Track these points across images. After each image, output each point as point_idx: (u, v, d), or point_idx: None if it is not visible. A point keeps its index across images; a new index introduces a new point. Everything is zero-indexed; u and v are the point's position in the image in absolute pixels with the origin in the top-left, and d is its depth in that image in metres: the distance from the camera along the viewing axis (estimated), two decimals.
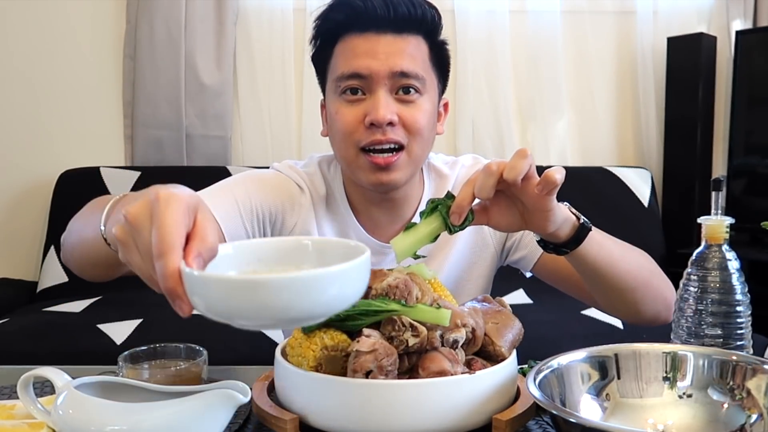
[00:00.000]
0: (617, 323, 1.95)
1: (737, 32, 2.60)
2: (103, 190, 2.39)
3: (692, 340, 0.80)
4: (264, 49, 2.60)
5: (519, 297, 2.21)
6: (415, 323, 0.70)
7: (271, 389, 0.79)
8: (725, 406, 0.70)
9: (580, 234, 0.83)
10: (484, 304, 0.83)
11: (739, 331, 0.79)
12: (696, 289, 0.80)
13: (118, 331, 1.86)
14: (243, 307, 0.50)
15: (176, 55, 2.52)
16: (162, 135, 2.56)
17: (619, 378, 0.74)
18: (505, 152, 2.64)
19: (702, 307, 0.80)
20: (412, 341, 0.70)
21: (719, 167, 2.76)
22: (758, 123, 2.58)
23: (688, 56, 2.61)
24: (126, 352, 0.84)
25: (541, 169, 0.75)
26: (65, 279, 2.32)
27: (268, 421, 0.72)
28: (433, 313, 0.71)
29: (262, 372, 0.84)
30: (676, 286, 0.85)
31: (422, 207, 1.08)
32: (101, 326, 1.89)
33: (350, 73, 0.97)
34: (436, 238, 0.77)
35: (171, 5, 2.50)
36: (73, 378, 0.70)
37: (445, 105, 1.10)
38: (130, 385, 0.72)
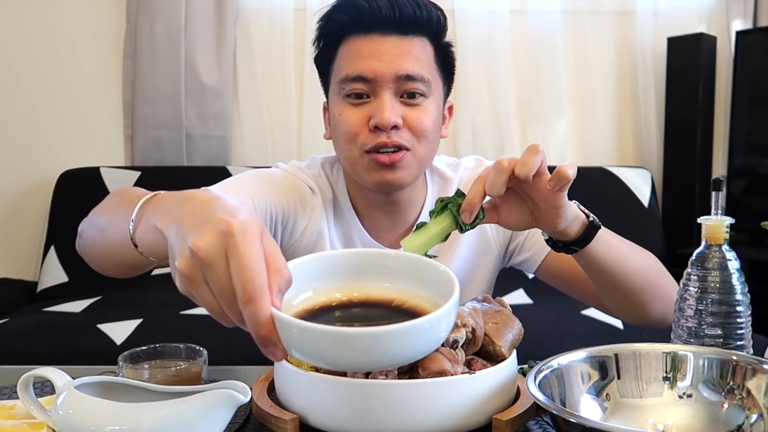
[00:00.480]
0: (617, 323, 1.95)
1: (737, 32, 2.60)
2: (103, 190, 2.40)
3: (692, 340, 0.80)
4: (264, 49, 2.60)
5: (519, 297, 2.21)
6: None
7: (271, 389, 0.79)
8: (725, 406, 0.70)
9: (589, 232, 0.83)
10: (484, 304, 0.83)
11: (739, 331, 0.79)
12: (696, 289, 0.80)
13: (118, 331, 1.86)
14: (342, 356, 0.50)
15: (176, 55, 2.52)
16: (162, 135, 2.56)
17: (619, 378, 0.74)
18: (505, 152, 2.64)
19: (702, 307, 0.80)
20: None
21: (719, 167, 2.76)
22: (758, 123, 2.58)
23: (688, 56, 2.61)
24: (126, 352, 0.84)
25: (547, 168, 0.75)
26: (65, 279, 2.32)
27: (268, 421, 0.72)
28: None
29: (262, 372, 0.84)
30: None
31: (425, 211, 1.08)
32: (101, 326, 1.89)
33: (354, 75, 0.96)
34: (447, 237, 0.76)
35: (171, 5, 2.50)
36: (73, 378, 0.70)
37: (450, 108, 1.09)
38: (130, 385, 0.72)
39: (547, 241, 0.86)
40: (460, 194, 0.76)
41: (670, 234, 2.59)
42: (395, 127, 0.95)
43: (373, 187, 1.00)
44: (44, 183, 2.52)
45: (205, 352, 0.85)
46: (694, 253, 0.82)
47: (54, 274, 2.34)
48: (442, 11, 1.02)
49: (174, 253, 0.53)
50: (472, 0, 2.63)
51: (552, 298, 1.99)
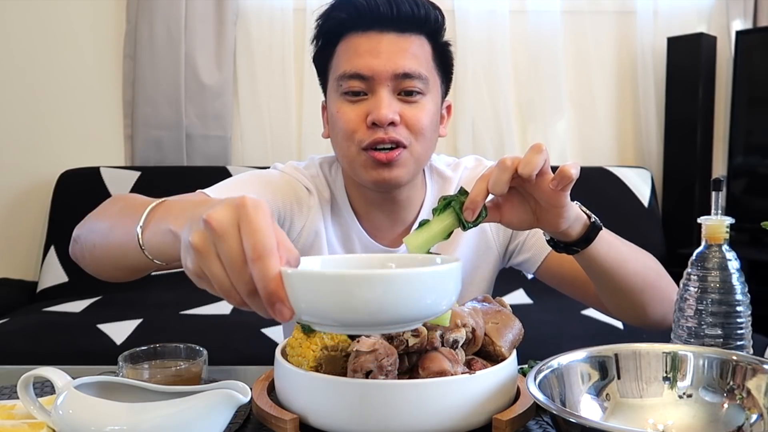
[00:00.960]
0: (617, 323, 1.95)
1: (737, 32, 2.60)
2: (103, 190, 2.40)
3: (692, 340, 0.80)
4: (264, 49, 2.61)
5: (519, 297, 2.21)
6: None
7: (271, 389, 0.79)
8: (725, 406, 0.70)
9: (590, 233, 0.83)
10: (484, 304, 0.83)
11: (739, 331, 0.79)
12: (696, 289, 0.80)
13: (118, 331, 1.86)
14: (350, 306, 0.50)
15: (176, 55, 2.52)
16: (162, 135, 2.56)
17: (619, 378, 0.74)
18: (505, 152, 2.64)
19: (702, 307, 0.80)
20: (412, 341, 0.70)
21: (719, 167, 2.76)
22: (758, 123, 2.58)
23: (688, 56, 2.61)
24: (126, 352, 0.84)
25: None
26: (65, 279, 2.32)
27: (268, 421, 0.72)
28: None
29: (262, 372, 0.84)
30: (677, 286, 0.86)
31: (424, 210, 1.08)
32: (101, 326, 1.89)
33: (352, 72, 0.96)
34: (449, 235, 0.76)
35: (171, 5, 2.51)
36: (73, 378, 0.70)
37: (448, 107, 1.09)
38: (130, 385, 0.72)
39: (548, 241, 0.86)
40: (463, 192, 0.76)
41: (670, 234, 2.59)
42: (393, 123, 0.95)
43: (371, 185, 1.00)
44: (44, 183, 2.52)
45: (205, 352, 0.85)
46: (694, 253, 0.82)
47: (54, 274, 2.34)
48: (440, 10, 1.02)
49: (187, 239, 0.54)
50: (472, 0, 2.63)
51: (552, 298, 1.98)
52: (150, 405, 0.65)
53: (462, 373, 0.70)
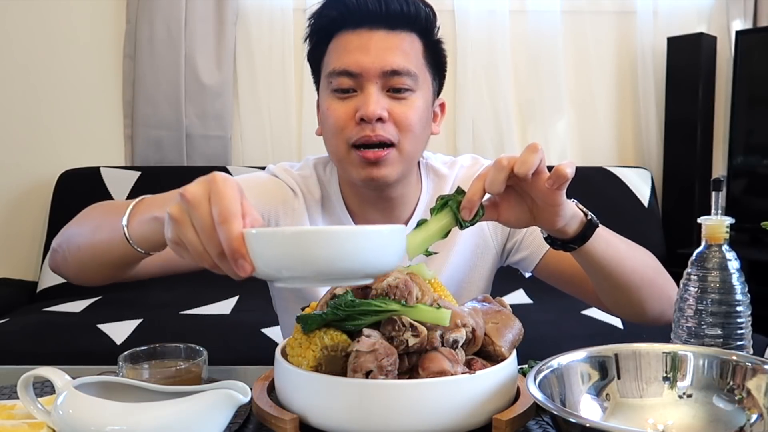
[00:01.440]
0: (617, 323, 1.95)
1: (737, 32, 2.60)
2: (103, 190, 2.40)
3: (692, 340, 0.80)
4: (264, 49, 2.61)
5: (519, 297, 2.21)
6: (415, 323, 0.70)
7: (271, 389, 0.79)
8: (725, 406, 0.70)
9: (587, 230, 0.83)
10: (484, 304, 0.83)
11: (739, 331, 0.79)
12: (696, 289, 0.80)
13: (118, 331, 1.86)
14: (299, 259, 0.57)
15: (176, 55, 2.52)
16: (162, 135, 2.56)
17: (619, 378, 0.74)
18: (505, 152, 2.62)
19: (702, 307, 0.80)
20: (412, 341, 0.70)
21: (719, 167, 2.76)
22: (758, 123, 2.58)
23: (688, 56, 2.61)
24: (126, 352, 0.84)
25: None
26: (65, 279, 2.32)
27: (268, 421, 0.72)
28: (433, 313, 0.71)
29: (262, 372, 0.84)
30: (676, 286, 0.85)
31: (420, 208, 1.08)
32: (101, 326, 1.89)
33: (341, 69, 0.97)
34: (447, 234, 0.76)
35: (171, 5, 2.51)
36: (73, 378, 0.70)
37: (442, 105, 1.09)
38: (130, 385, 0.72)
39: (546, 239, 0.86)
40: (460, 191, 0.76)
41: (670, 234, 2.59)
42: (381, 120, 0.95)
43: (361, 183, 1.01)
44: (44, 183, 2.52)
45: (205, 352, 0.85)
46: (694, 253, 0.82)
47: (54, 274, 2.33)
48: (431, 8, 1.02)
49: (167, 213, 0.63)
50: (472, 0, 2.63)
51: (552, 298, 1.99)
52: (150, 405, 0.65)
53: (462, 373, 0.70)
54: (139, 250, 0.79)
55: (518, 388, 0.76)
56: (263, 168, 1.15)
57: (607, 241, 0.88)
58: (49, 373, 0.70)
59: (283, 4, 2.59)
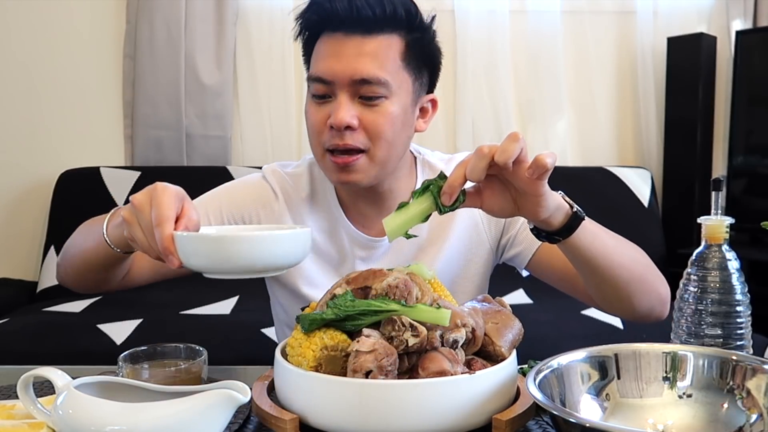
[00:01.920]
0: (617, 323, 1.95)
1: (737, 32, 2.60)
2: (103, 190, 2.40)
3: (692, 340, 0.80)
4: (264, 49, 2.60)
5: (519, 297, 2.21)
6: (415, 323, 0.70)
7: (271, 389, 0.79)
8: (725, 406, 0.70)
9: (573, 222, 0.83)
10: (484, 304, 0.83)
11: (739, 331, 0.79)
12: (696, 289, 0.80)
13: (118, 331, 1.86)
14: (212, 257, 0.71)
15: (176, 55, 2.52)
16: (162, 135, 2.56)
17: (619, 378, 0.74)
18: None
19: (702, 307, 0.80)
20: (412, 341, 0.70)
21: (719, 167, 2.76)
22: (758, 123, 2.58)
23: (688, 56, 2.61)
24: (126, 352, 0.84)
25: None
26: (70, 289, 2.32)
27: (268, 421, 0.72)
28: (433, 313, 0.71)
29: (262, 372, 0.84)
30: (676, 286, 0.86)
31: None
32: (101, 326, 1.89)
33: (315, 75, 0.99)
34: (427, 218, 0.77)
35: (171, 5, 2.50)
36: (73, 378, 0.70)
37: (433, 102, 1.09)
38: (130, 385, 0.72)
39: (532, 230, 0.87)
40: (442, 176, 0.77)
41: (670, 234, 2.59)
42: (350, 128, 0.97)
43: (337, 185, 1.07)
44: (44, 183, 2.51)
45: (205, 352, 0.86)
46: (694, 253, 0.82)
47: (54, 274, 2.33)
48: (412, 3, 1.01)
49: (121, 215, 0.79)
50: (472, 0, 2.63)
51: (552, 298, 1.98)
52: (150, 405, 0.65)
53: (462, 373, 0.70)
54: (116, 249, 0.90)
55: (518, 388, 0.76)
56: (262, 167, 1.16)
57: (594, 235, 0.88)
58: (49, 373, 0.70)
59: (283, 4, 2.59)
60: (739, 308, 0.79)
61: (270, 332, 1.85)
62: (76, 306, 2.11)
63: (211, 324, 1.96)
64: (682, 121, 2.64)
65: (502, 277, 1.23)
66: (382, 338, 0.71)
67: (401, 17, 0.98)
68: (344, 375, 0.70)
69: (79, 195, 2.42)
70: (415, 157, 1.14)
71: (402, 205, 0.77)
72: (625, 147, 2.80)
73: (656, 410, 0.72)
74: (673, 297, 0.86)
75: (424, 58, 1.03)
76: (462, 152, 1.17)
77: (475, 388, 0.69)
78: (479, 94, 2.66)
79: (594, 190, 2.47)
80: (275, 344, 0.84)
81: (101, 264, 0.96)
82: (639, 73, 2.74)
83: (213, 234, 0.78)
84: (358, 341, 0.70)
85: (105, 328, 1.88)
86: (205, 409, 0.65)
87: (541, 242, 1.02)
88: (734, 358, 0.72)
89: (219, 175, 2.46)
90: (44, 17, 2.54)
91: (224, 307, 2.10)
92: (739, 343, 0.79)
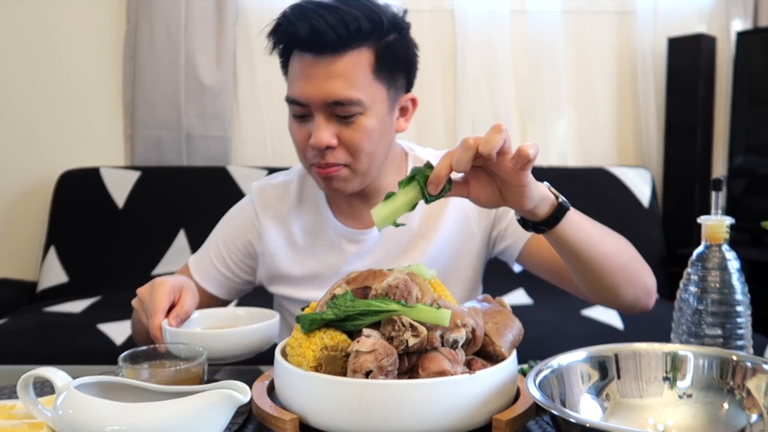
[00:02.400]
0: (617, 323, 1.95)
1: (737, 32, 2.60)
2: (103, 190, 2.40)
3: (692, 340, 0.80)
4: (264, 49, 2.60)
5: (519, 297, 2.21)
6: (415, 323, 0.70)
7: (271, 389, 0.79)
8: (725, 406, 0.70)
9: (558, 213, 0.84)
10: (484, 304, 0.83)
11: (739, 331, 0.79)
12: (696, 289, 0.80)
13: (118, 331, 1.86)
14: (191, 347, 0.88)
15: (176, 55, 2.52)
16: (162, 135, 2.56)
17: (619, 378, 0.74)
18: None
19: (702, 307, 0.80)
20: (412, 341, 0.70)
21: (719, 167, 2.76)
22: (758, 123, 2.58)
23: (688, 57, 2.61)
24: (126, 352, 0.84)
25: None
26: (65, 279, 2.32)
27: (268, 421, 0.72)
28: (433, 313, 0.71)
29: (262, 372, 0.84)
30: (676, 286, 0.86)
31: None
32: (101, 326, 1.89)
33: (291, 98, 1.02)
34: (414, 207, 0.79)
35: (171, 5, 2.50)
36: (73, 378, 0.70)
37: (413, 100, 1.10)
38: (130, 385, 0.72)
39: (518, 220, 0.88)
40: (429, 166, 0.78)
41: (670, 234, 2.58)
42: (330, 147, 1.00)
43: (325, 192, 1.11)
44: (44, 183, 2.52)
45: (205, 352, 0.86)
46: (694, 253, 0.82)
47: (54, 274, 2.33)
48: (378, 9, 1.00)
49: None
50: (472, 0, 2.63)
51: (552, 298, 1.99)
52: (150, 405, 0.65)
53: (462, 373, 0.70)
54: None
55: (518, 388, 0.76)
56: (262, 168, 1.17)
57: (579, 225, 0.89)
58: (49, 373, 0.70)
59: (283, 4, 2.58)
60: (739, 308, 0.79)
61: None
62: (76, 306, 2.11)
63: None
64: (683, 121, 2.64)
65: (502, 277, 1.23)
66: (382, 338, 0.71)
67: (367, 30, 0.98)
68: (344, 375, 0.70)
69: (79, 195, 2.42)
70: (407, 153, 1.15)
71: (389, 195, 0.79)
72: (625, 147, 2.80)
73: (656, 410, 0.72)
74: (673, 297, 0.86)
75: (396, 63, 1.03)
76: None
77: (475, 388, 0.69)
78: (479, 94, 2.66)
79: (594, 190, 2.47)
80: (275, 344, 0.85)
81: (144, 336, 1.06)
82: (639, 74, 2.74)
83: (187, 331, 0.93)
84: (358, 341, 0.70)
85: (105, 328, 1.88)
86: (205, 409, 0.65)
87: (530, 235, 1.05)
88: (734, 358, 0.72)
89: (219, 175, 2.46)
90: (44, 17, 2.54)
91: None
92: (739, 343, 0.79)
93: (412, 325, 0.70)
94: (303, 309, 0.80)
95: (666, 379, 0.73)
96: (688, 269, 0.82)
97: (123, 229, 2.37)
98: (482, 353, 0.77)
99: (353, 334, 0.73)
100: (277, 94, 2.62)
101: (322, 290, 0.85)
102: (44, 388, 0.88)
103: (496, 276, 1.25)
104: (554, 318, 1.97)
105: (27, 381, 0.71)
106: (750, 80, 2.55)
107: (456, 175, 0.79)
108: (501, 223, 1.12)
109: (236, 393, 0.65)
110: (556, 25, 2.68)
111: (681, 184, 2.66)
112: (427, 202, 0.78)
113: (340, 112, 0.99)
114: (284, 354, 0.77)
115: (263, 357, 0.93)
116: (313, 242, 1.13)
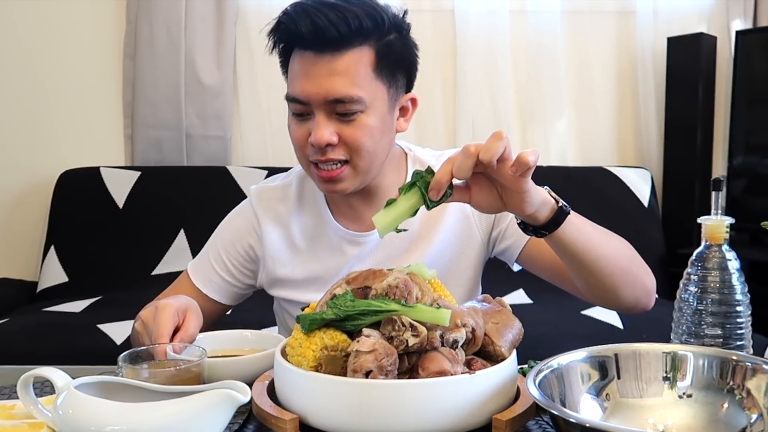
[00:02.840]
0: (617, 323, 1.95)
1: (737, 32, 2.59)
2: (103, 190, 2.40)
3: (692, 340, 0.80)
4: (264, 49, 2.60)
5: (519, 297, 2.21)
6: (415, 323, 0.70)
7: (271, 389, 0.79)
8: (725, 406, 0.70)
9: (558, 217, 0.85)
10: (484, 304, 0.83)
11: (739, 331, 0.79)
12: (696, 289, 0.80)
13: (118, 331, 1.86)
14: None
15: (176, 55, 2.52)
16: (162, 135, 2.56)
17: (619, 378, 0.74)
18: None
19: (702, 307, 0.80)
20: (412, 341, 0.70)
21: (719, 167, 2.76)
22: (758, 123, 2.58)
23: (688, 56, 2.61)
24: (126, 352, 0.84)
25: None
26: (65, 279, 2.32)
27: (268, 421, 0.72)
28: (433, 313, 0.71)
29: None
30: (676, 286, 0.86)
31: None
32: (101, 326, 1.89)
33: (292, 96, 1.02)
34: (416, 212, 0.79)
35: (171, 5, 2.50)
36: (73, 378, 0.70)
37: (413, 100, 1.10)
38: (130, 385, 0.72)
39: (519, 224, 0.88)
40: (429, 171, 0.78)
41: (670, 234, 2.58)
42: (330, 144, 0.99)
43: (324, 193, 1.10)
44: (44, 183, 2.51)
45: (205, 352, 0.85)
46: (694, 253, 0.82)
47: (54, 274, 2.33)
48: (379, 8, 1.00)
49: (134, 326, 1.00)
50: (472, 0, 2.63)
51: (552, 298, 1.98)
52: (150, 405, 0.65)
53: (462, 373, 0.70)
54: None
55: (518, 388, 0.76)
56: (262, 168, 1.17)
57: (579, 228, 0.90)
58: (49, 373, 0.70)
59: (282, 4, 2.58)
60: (739, 308, 0.79)
61: (272, 332, 1.85)
62: (76, 306, 2.11)
63: (211, 325, 1.96)
64: (682, 121, 2.64)
65: (502, 277, 1.23)
66: (382, 338, 0.71)
67: (368, 28, 0.98)
68: (344, 375, 0.70)
69: (79, 195, 2.42)
70: (406, 153, 1.15)
71: (390, 202, 0.79)
72: (625, 147, 2.80)
73: (656, 410, 0.72)
74: (673, 297, 0.86)
75: (397, 62, 1.04)
76: (452, 149, 1.18)
77: (475, 388, 0.69)
78: (479, 94, 2.66)
79: (594, 190, 2.46)
80: None
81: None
82: (639, 73, 2.74)
83: (185, 357, 0.89)
84: (358, 341, 0.70)
85: (105, 328, 1.88)
86: (205, 409, 0.65)
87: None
88: (734, 358, 0.72)
89: (219, 175, 2.46)
90: (44, 17, 2.54)
91: None
92: (739, 343, 0.79)
93: (412, 325, 0.70)
94: (303, 309, 0.80)
95: (666, 379, 0.73)
96: (688, 269, 0.82)
97: (123, 229, 2.37)
98: (482, 353, 0.77)
99: (353, 334, 0.73)
100: (277, 94, 2.61)
101: (323, 293, 0.85)
102: (44, 388, 0.88)
103: (496, 276, 1.25)
104: (554, 318, 1.97)
105: (27, 381, 0.71)
106: (750, 80, 2.55)
107: (457, 181, 0.79)
108: (501, 223, 1.12)
109: (236, 393, 0.65)
110: (556, 25, 2.68)
111: (681, 184, 2.66)
112: (429, 208, 0.78)
113: (341, 109, 0.98)
114: (284, 354, 0.77)
115: None
116: (314, 245, 1.13)
